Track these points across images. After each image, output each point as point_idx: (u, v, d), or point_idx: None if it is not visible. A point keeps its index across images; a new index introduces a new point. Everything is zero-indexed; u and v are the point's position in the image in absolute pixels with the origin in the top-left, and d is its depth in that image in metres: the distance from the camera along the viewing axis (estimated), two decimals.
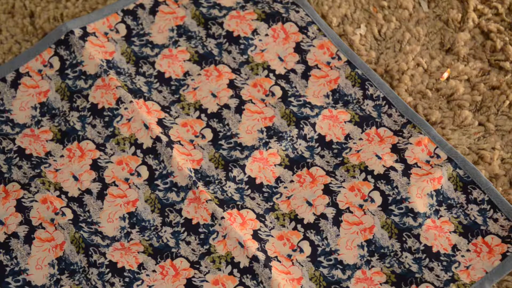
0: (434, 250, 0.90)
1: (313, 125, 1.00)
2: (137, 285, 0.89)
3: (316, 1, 1.12)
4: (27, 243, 0.92)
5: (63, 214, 0.94)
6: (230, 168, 0.97)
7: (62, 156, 1.00)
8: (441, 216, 0.93)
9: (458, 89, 1.04)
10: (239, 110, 1.02)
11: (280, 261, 0.91)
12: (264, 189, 0.97)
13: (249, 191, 0.96)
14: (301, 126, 1.00)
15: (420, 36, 1.09)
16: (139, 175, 0.97)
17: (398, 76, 1.05)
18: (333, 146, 1.00)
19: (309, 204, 0.95)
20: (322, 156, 0.99)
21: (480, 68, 1.07)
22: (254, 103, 1.03)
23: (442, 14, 1.11)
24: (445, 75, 1.06)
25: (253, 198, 0.96)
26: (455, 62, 1.07)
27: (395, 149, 0.98)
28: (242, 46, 1.07)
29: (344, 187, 0.96)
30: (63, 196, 0.96)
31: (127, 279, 0.89)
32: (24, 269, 0.90)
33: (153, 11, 1.11)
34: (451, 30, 1.10)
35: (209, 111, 1.03)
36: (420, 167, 0.96)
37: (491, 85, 1.05)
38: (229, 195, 0.96)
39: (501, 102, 1.03)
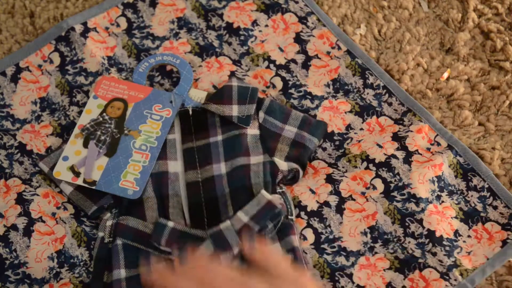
0: (437, 234, 0.90)
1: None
2: None
3: (316, 1, 1.12)
4: (26, 235, 0.91)
5: (65, 208, 0.93)
6: None
7: None
8: (442, 201, 0.93)
9: (458, 89, 1.04)
10: None
11: None
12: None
13: None
14: None
15: (420, 36, 1.09)
16: None
17: (398, 76, 1.05)
18: (335, 138, 0.99)
19: (312, 192, 0.94)
20: (324, 149, 0.99)
21: (480, 68, 1.07)
22: None
23: (442, 14, 1.12)
24: (445, 75, 1.06)
25: None
26: (455, 62, 1.07)
27: (396, 137, 0.98)
28: (242, 37, 1.07)
29: (346, 177, 0.95)
30: None
31: None
32: (24, 262, 0.89)
33: (153, 4, 1.11)
34: (451, 30, 1.10)
35: None
36: (421, 154, 0.96)
37: (491, 85, 1.05)
38: None
39: (501, 102, 1.03)
